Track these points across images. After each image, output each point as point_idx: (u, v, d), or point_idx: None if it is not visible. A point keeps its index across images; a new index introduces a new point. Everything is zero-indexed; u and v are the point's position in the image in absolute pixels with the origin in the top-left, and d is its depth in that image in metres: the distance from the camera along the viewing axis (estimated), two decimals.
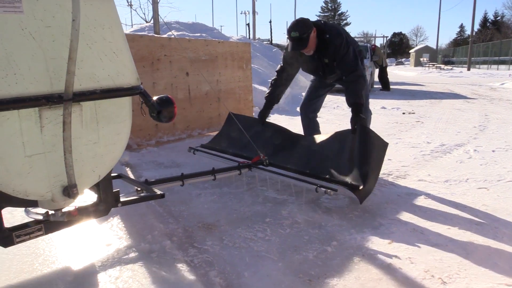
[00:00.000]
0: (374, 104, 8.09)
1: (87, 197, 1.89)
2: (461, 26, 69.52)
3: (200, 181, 2.84)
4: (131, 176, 3.35)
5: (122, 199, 1.96)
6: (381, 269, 1.86)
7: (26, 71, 1.35)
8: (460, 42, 61.43)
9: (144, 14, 50.80)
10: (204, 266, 1.87)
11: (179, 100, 4.62)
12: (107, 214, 1.87)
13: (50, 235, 2.17)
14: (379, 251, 2.03)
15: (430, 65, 32.81)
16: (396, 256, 1.97)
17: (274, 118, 6.70)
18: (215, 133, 5.02)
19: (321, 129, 3.54)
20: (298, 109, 7.97)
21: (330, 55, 3.01)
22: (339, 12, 71.54)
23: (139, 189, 2.19)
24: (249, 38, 17.70)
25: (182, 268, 1.84)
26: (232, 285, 1.72)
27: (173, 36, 5.24)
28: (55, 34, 1.41)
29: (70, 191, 1.51)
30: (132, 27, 21.40)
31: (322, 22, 3.13)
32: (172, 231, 2.24)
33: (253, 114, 5.80)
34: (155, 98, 1.82)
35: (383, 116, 7.02)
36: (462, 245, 2.10)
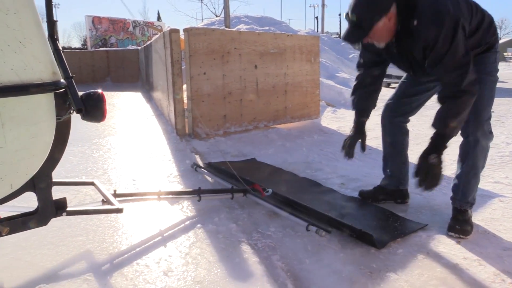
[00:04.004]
0: None
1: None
2: None
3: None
4: (200, 163, 3.54)
5: (70, 209, 1.82)
6: (446, 269, 1.81)
7: None
8: None
9: (214, 8, 52.26)
10: (267, 250, 1.95)
11: (247, 92, 4.75)
12: (46, 224, 1.74)
13: (129, 210, 2.40)
14: (445, 251, 1.97)
15: None
16: (463, 257, 1.91)
17: (341, 113, 6.63)
18: (280, 126, 5.12)
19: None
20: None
21: (418, 49, 1.99)
22: None
23: (104, 200, 2.13)
24: (318, 31, 17.55)
25: (246, 250, 1.95)
26: (293, 269, 1.78)
27: (242, 30, 5.38)
28: None
29: None
30: (202, 21, 22.23)
31: None
32: (237, 216, 2.36)
33: (319, 108, 5.79)
34: (81, 93, 1.63)
35: None
36: None
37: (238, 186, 2.65)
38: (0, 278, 1.73)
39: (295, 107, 5.35)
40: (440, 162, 1.99)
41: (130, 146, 4.36)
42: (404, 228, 2.19)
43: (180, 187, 2.89)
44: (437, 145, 2.00)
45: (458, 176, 2.24)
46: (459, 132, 2.08)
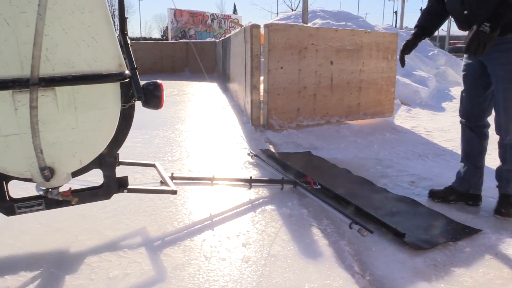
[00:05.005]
0: None
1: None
2: None
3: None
4: (267, 149, 3.75)
5: (131, 187, 2.02)
6: None
7: None
8: None
9: (291, 2, 52.20)
10: (335, 236, 2.11)
11: (322, 87, 4.87)
12: (109, 198, 1.95)
13: (214, 191, 2.68)
14: None
15: None
16: None
17: (415, 113, 6.47)
18: (353, 122, 5.18)
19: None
20: (443, 104, 7.52)
21: None
22: None
23: (162, 181, 2.33)
24: (396, 26, 16.91)
25: (316, 233, 2.13)
26: (360, 254, 1.93)
27: (320, 26, 5.47)
28: (30, 20, 1.39)
29: (41, 173, 1.55)
30: (277, 15, 22.43)
31: None
32: (308, 203, 2.53)
33: (394, 106, 5.73)
34: (143, 83, 1.79)
35: None
36: None
37: (290, 177, 2.80)
38: (105, 235, 2.08)
39: (368, 104, 5.37)
40: (492, 33, 1.97)
41: (208, 133, 4.71)
42: (455, 232, 2.17)
43: (254, 173, 3.13)
44: (495, 12, 1.98)
45: None
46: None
